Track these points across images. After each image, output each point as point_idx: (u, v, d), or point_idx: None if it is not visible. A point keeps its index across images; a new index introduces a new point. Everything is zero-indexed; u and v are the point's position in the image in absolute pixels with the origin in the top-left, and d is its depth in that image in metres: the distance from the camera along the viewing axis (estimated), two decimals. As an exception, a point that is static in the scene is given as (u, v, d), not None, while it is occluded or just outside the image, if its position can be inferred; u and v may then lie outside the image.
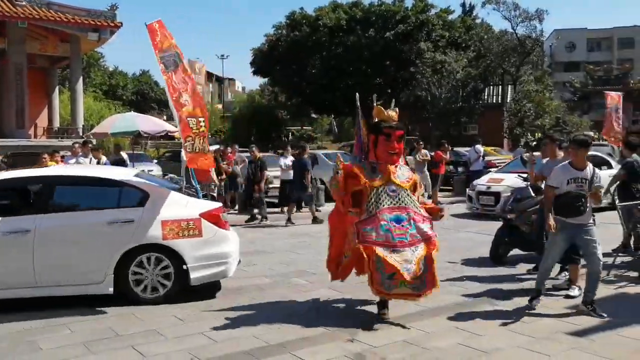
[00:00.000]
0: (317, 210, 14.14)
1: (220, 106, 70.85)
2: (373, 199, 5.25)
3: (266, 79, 41.13)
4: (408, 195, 5.37)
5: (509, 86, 30.42)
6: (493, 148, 22.49)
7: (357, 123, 5.89)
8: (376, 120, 5.59)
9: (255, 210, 13.11)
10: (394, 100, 6.27)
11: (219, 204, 6.78)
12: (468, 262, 8.04)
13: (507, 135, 29.44)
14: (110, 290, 5.94)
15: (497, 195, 11.81)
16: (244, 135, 40.94)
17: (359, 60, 30.08)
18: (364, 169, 5.42)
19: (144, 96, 66.03)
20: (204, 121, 6.83)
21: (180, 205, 6.25)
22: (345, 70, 30.41)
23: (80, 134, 21.72)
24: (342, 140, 34.07)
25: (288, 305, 6.06)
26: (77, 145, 13.04)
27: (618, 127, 16.18)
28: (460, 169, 18.80)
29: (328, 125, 52.76)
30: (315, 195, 14.39)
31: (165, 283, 6.09)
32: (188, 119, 6.64)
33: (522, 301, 6.03)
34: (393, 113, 5.57)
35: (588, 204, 5.58)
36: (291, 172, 13.69)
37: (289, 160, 13.86)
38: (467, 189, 13.92)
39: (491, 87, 31.41)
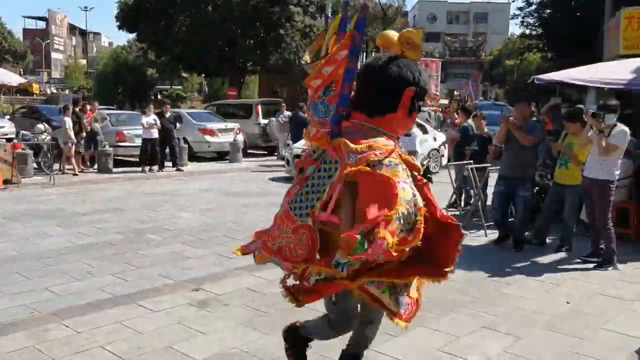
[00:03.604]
0: (179, 170, 14.22)
1: (84, 61, 66.19)
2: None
3: (133, 35, 39.03)
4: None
5: (373, 53, 31.66)
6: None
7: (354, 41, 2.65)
8: (400, 55, 2.69)
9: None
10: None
11: None
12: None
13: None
14: None
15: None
16: (110, 93, 38.93)
17: (230, 19, 29.58)
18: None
19: (-5, 46, 59.84)
20: None
21: None
22: (216, 29, 29.78)
23: None
24: (213, 100, 33.56)
25: (139, 260, 6.14)
26: None
27: (436, 92, 18.19)
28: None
29: (198, 85, 51.62)
30: (178, 154, 14.35)
31: None
32: None
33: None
34: (419, 42, 2.71)
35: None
36: (153, 130, 13.49)
37: (151, 118, 13.60)
38: (285, 152, 13.80)
39: (358, 53, 32.41)
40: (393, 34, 2.75)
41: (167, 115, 14.11)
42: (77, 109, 13.81)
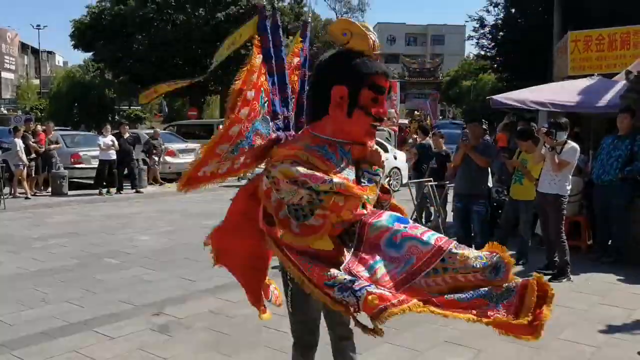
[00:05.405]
0: (138, 192, 13.99)
1: (36, 81, 64.51)
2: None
3: (89, 54, 38.41)
4: None
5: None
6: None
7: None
8: (343, 49, 2.31)
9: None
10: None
11: None
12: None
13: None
14: None
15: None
16: (66, 113, 38.07)
17: (189, 39, 29.50)
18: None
19: None
20: None
21: None
22: (175, 49, 29.64)
23: None
24: (173, 121, 33.23)
25: (96, 285, 5.99)
26: None
27: (396, 113, 18.56)
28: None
29: (158, 105, 51.01)
30: (138, 176, 14.12)
31: None
32: None
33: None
34: (373, 35, 2.30)
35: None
36: (111, 151, 13.27)
37: (108, 139, 13.38)
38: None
39: (318, 73, 32.77)
40: (335, 25, 2.37)
41: (126, 136, 13.92)
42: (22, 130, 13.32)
